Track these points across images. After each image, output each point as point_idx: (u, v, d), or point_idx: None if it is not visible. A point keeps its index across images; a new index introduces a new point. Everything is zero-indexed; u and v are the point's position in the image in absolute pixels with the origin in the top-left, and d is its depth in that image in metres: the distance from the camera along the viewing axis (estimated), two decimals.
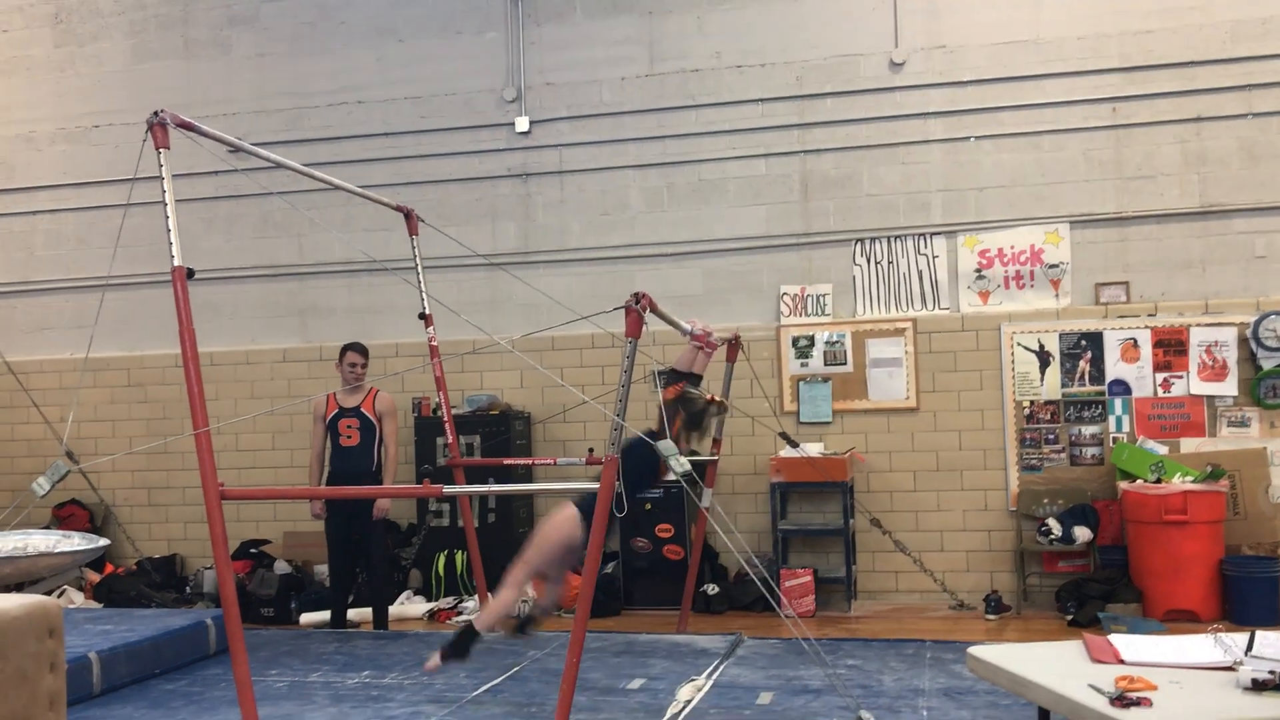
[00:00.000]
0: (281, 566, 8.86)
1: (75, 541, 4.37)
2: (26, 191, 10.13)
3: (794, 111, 8.81)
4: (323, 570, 8.81)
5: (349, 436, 7.41)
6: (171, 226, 4.62)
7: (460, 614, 8.23)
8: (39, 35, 10.18)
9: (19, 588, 4.52)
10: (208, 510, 4.46)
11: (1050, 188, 8.41)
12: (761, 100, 8.85)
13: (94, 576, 9.03)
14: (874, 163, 8.69)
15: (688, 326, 5.46)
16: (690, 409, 5.30)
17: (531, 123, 9.20)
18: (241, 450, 9.46)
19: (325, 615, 7.94)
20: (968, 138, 8.53)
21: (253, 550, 9.14)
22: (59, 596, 8.18)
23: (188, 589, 9.21)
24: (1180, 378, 8.11)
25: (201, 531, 9.21)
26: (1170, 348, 8.13)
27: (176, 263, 4.56)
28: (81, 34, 10.09)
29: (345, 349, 7.58)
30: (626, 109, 9.05)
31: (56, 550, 4.20)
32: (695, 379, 5.53)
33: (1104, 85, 8.31)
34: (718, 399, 5.69)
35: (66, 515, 8.92)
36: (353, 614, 7.80)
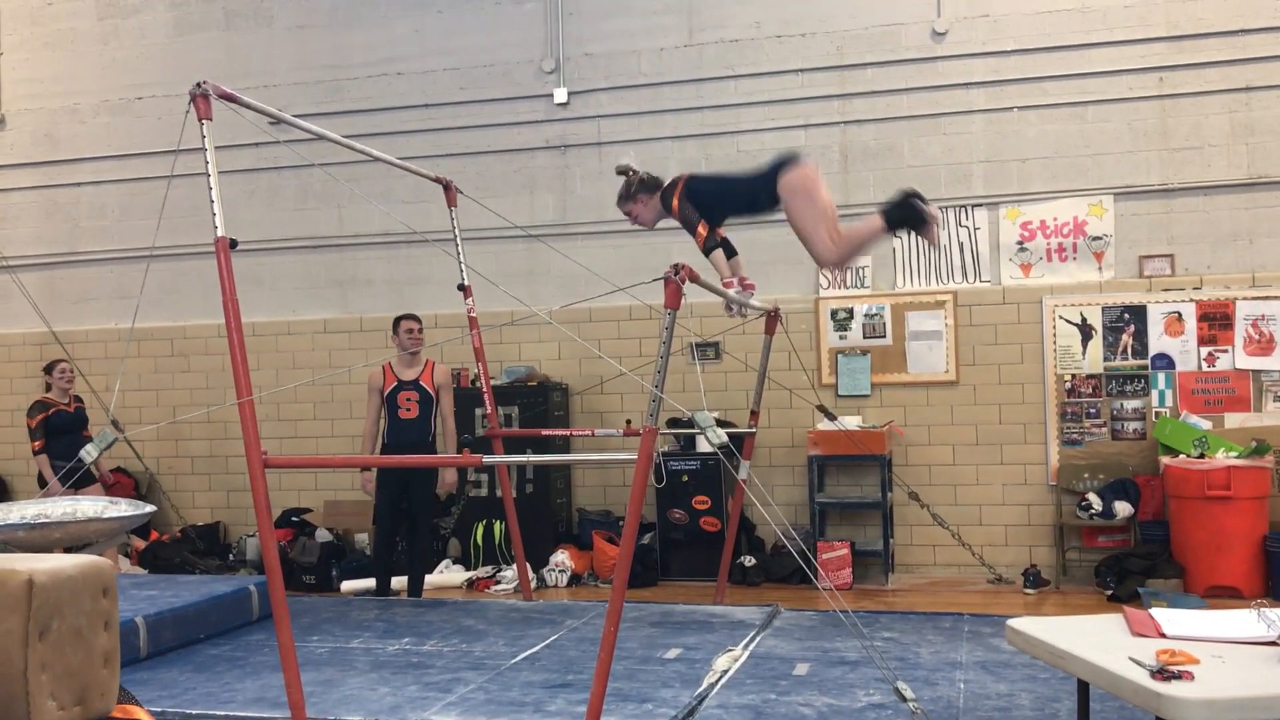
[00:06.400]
0: (323, 535, 8.96)
1: (122, 507, 4.43)
2: (71, 163, 10.25)
3: (834, 82, 8.74)
4: (363, 539, 8.91)
5: (408, 410, 7.47)
6: (215, 197, 4.65)
7: (498, 583, 8.30)
8: (82, 7, 10.26)
9: (69, 552, 4.60)
10: (251, 478, 4.52)
11: (1094, 159, 8.30)
12: (801, 70, 8.78)
13: (139, 543, 9.18)
14: (915, 133, 8.60)
15: (734, 294, 5.54)
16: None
17: (570, 94, 9.18)
18: (283, 420, 9.57)
19: (366, 583, 8.04)
20: (1010, 108, 8.43)
21: (294, 519, 9.25)
22: None
23: (231, 556, 9.34)
24: (1225, 352, 8.00)
25: (244, 500, 9.34)
26: (1215, 321, 8.02)
27: (220, 233, 4.60)
28: (124, 6, 10.16)
29: (399, 319, 7.64)
30: (665, 80, 9.01)
31: (105, 515, 4.27)
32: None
33: (1150, 54, 8.18)
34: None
35: (112, 484, 9.06)
36: (395, 582, 7.89)
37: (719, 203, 5.54)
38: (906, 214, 5.19)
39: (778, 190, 5.30)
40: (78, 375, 8.62)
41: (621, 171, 5.71)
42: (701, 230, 5.43)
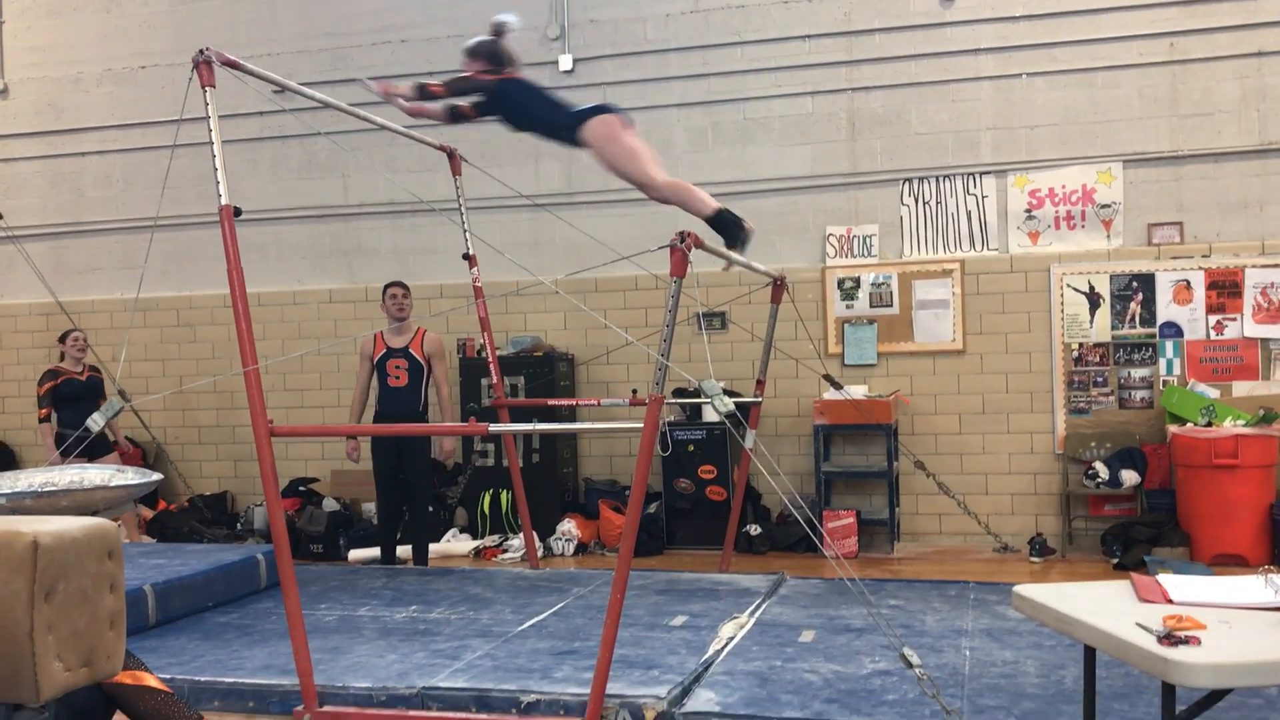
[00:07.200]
0: (330, 504, 8.99)
1: (130, 475, 4.45)
2: (75, 133, 10.22)
3: (842, 48, 8.67)
4: (370, 508, 8.93)
5: (397, 377, 7.47)
6: (219, 165, 4.63)
7: (505, 551, 8.33)
8: None
9: None
10: (258, 447, 4.52)
11: (1103, 126, 8.23)
12: (809, 36, 8.70)
13: (147, 513, 9.21)
14: (923, 100, 8.54)
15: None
16: None
17: (575, 61, 9.11)
18: (289, 390, 9.58)
19: (373, 552, 8.07)
20: (1019, 74, 8.36)
21: (301, 488, 9.28)
22: None
23: (238, 525, 9.38)
24: (1234, 320, 7.97)
25: (251, 469, 9.36)
26: (1224, 289, 7.98)
27: (224, 201, 4.58)
28: None
29: (386, 286, 7.64)
30: (671, 46, 8.94)
31: (112, 484, 4.28)
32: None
33: (1161, 19, 8.10)
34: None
35: (126, 451, 9.09)
36: (401, 551, 7.92)
37: (525, 115, 5.51)
38: (727, 227, 5.38)
39: (580, 138, 5.31)
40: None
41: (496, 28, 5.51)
42: (432, 86, 5.39)
